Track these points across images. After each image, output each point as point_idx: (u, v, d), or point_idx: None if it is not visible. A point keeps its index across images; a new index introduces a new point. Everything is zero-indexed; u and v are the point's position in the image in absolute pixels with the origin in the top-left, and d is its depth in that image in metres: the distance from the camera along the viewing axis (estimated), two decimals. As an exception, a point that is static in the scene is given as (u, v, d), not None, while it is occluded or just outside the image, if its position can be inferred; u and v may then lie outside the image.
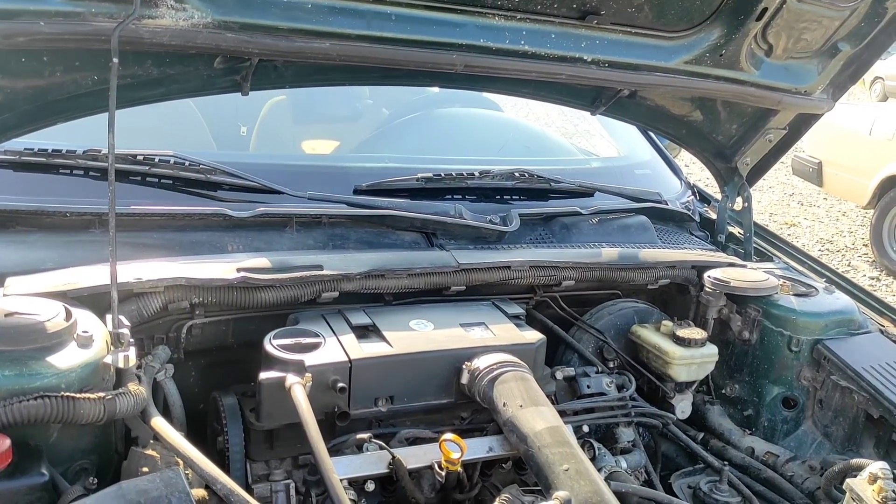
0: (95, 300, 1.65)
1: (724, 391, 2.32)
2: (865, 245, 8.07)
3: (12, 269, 1.73)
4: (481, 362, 1.75)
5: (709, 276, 2.27)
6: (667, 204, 2.66)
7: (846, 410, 2.09)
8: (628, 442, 2.02)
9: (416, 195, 2.29)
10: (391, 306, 1.98)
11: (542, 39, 1.96)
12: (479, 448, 1.69)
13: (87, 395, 1.37)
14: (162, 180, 2.06)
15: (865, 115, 7.58)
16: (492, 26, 1.90)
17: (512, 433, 1.63)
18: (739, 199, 2.73)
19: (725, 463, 2.09)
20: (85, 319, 1.54)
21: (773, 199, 9.78)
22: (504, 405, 1.67)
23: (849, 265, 7.70)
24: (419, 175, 2.30)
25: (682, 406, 2.18)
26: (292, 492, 1.58)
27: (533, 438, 1.58)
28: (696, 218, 2.77)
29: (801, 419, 2.22)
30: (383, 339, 1.76)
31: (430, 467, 1.62)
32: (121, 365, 1.46)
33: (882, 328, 2.29)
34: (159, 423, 1.46)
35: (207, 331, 1.89)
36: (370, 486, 1.62)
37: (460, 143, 2.82)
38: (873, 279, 7.33)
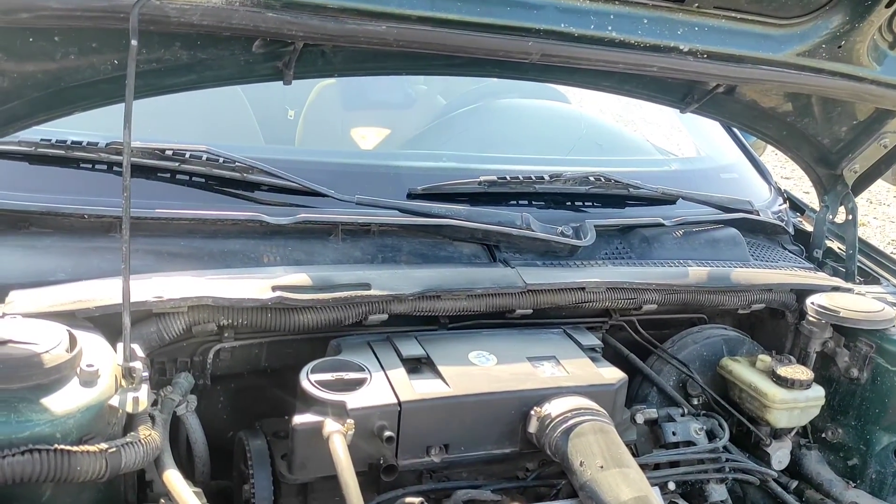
0: (110, 321, 1.42)
1: (824, 435, 2.02)
2: (943, 249, 7.55)
3: (19, 279, 1.52)
4: (553, 408, 1.49)
5: (812, 304, 1.96)
6: (759, 214, 2.34)
7: (975, 468, 1.79)
8: (720, 500, 1.74)
9: (476, 201, 2.01)
10: (447, 333, 1.73)
11: (633, 25, 1.66)
12: (550, 515, 1.43)
13: (87, 447, 1.14)
14: (193, 178, 1.83)
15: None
16: (575, 9, 1.61)
17: (591, 500, 1.37)
18: (842, 210, 2.40)
19: (827, 522, 1.82)
20: (93, 349, 1.31)
21: (841, 197, 9.27)
22: (581, 464, 1.40)
23: (925, 271, 7.20)
24: (481, 178, 2.02)
25: (780, 455, 1.89)
26: (328, 557, 1.34)
27: (617, 510, 1.32)
28: (790, 230, 2.44)
29: (917, 474, 1.91)
30: (439, 375, 1.51)
31: (492, 538, 1.37)
32: (129, 409, 1.23)
33: None
34: (172, 478, 1.23)
35: (238, 355, 1.66)
36: (420, 557, 1.37)
37: (525, 140, 2.53)
38: (953, 287, 6.85)
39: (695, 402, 1.93)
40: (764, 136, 2.30)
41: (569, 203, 2.16)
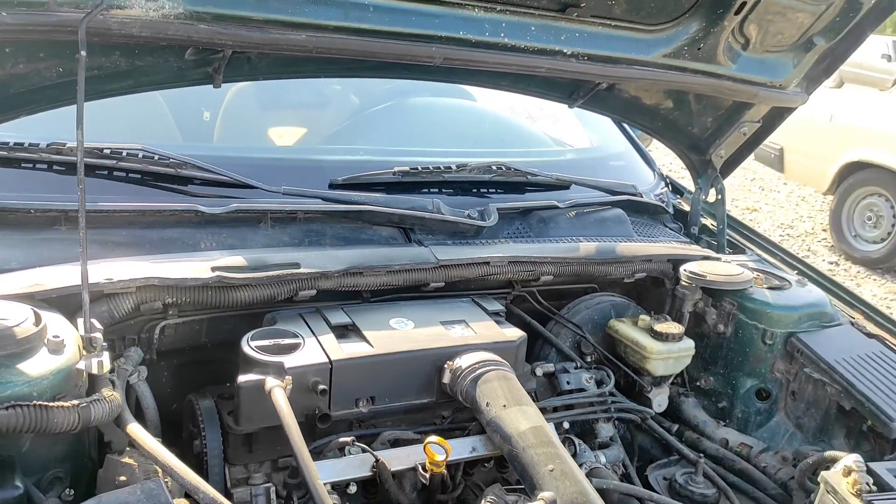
0: (64, 302, 1.59)
1: (698, 383, 2.33)
2: (825, 230, 8.23)
3: (-26, 269, 1.66)
4: (463, 361, 1.73)
5: (684, 270, 2.28)
6: (642, 196, 2.66)
7: (818, 402, 2.12)
8: (607, 437, 2.03)
9: (392, 189, 2.25)
10: (370, 304, 1.95)
11: (522, 32, 1.94)
12: (463, 448, 1.67)
13: (61, 403, 1.32)
14: (130, 175, 1.99)
15: (826, 102, 7.69)
16: (472, 18, 1.87)
17: (496, 433, 1.62)
18: (713, 191, 2.74)
19: (701, 455, 2.11)
20: (55, 323, 1.48)
21: (735, 184, 9.89)
22: (487, 405, 1.65)
23: (808, 250, 7.85)
24: (396, 169, 2.26)
25: (659, 400, 2.19)
26: (273, 495, 1.54)
27: (517, 439, 1.57)
28: (670, 210, 2.78)
29: (774, 411, 2.24)
30: (363, 338, 1.74)
31: (414, 469, 1.60)
32: (94, 371, 1.41)
33: (853, 320, 2.32)
34: (135, 429, 1.41)
35: (181, 331, 1.84)
36: (352, 489, 1.59)
37: (435, 135, 2.78)
38: (832, 264, 7.49)
39: (588, 359, 2.21)
40: (643, 127, 2.62)
41: (474, 190, 2.42)
